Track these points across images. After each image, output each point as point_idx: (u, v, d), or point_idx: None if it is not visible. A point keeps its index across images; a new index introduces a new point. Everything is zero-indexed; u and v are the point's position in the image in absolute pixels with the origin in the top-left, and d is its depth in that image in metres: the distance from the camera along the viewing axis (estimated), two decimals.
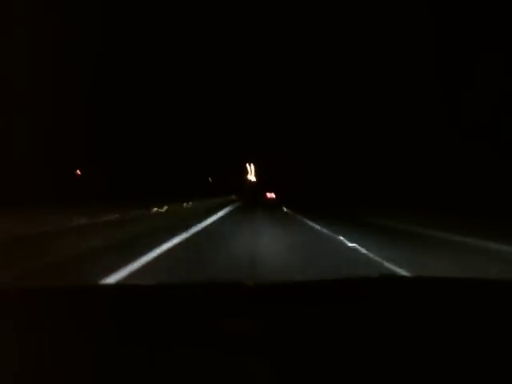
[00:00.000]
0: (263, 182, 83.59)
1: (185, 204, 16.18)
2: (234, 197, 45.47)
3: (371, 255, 6.63)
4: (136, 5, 26.77)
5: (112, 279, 4.20)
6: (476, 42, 20.17)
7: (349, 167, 36.96)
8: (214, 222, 12.72)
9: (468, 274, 5.50)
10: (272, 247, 7.39)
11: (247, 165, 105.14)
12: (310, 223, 13.13)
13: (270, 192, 53.27)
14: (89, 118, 20.84)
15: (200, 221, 11.87)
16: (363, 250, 7.12)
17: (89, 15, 20.44)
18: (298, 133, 64.69)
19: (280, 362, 0.75)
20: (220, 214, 16.89)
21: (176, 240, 7.49)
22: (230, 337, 0.89)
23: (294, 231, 11.08)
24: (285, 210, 23.36)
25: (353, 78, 34.23)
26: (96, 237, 6.43)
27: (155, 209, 11.38)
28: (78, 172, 22.98)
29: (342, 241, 8.44)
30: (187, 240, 7.80)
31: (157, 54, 30.92)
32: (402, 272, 5.39)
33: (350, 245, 7.85)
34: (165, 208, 12.10)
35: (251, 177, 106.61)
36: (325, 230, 10.56)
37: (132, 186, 23.07)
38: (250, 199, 46.23)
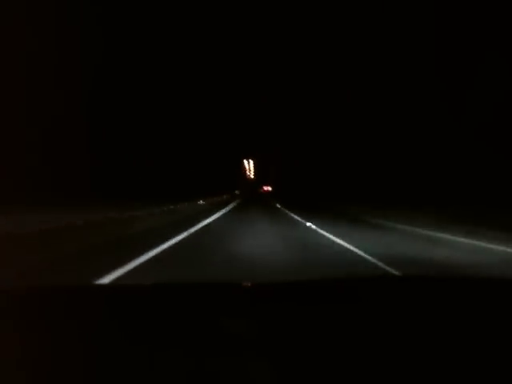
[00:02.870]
0: (261, 178, 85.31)
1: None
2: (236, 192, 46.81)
3: (297, 217, 14.37)
4: (136, 4, 26.74)
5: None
6: (478, 41, 20.14)
7: (348, 166, 37.07)
8: None
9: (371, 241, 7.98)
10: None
11: (245, 161, 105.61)
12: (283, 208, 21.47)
13: (267, 186, 61.20)
14: (89, 119, 20.82)
15: None
16: (296, 216, 14.76)
17: (90, 15, 20.43)
18: (298, 131, 64.77)
19: (279, 361, 0.75)
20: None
21: None
22: (228, 337, 0.89)
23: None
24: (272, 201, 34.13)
25: (355, 76, 34.20)
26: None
27: None
28: None
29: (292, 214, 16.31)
30: None
31: (160, 54, 30.84)
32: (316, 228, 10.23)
33: (292, 215, 15.78)
34: None
35: (250, 173, 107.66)
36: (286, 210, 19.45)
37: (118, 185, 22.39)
38: (249, 194, 48.86)
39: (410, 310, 1.16)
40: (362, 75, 32.52)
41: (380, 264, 5.35)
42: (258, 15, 63.85)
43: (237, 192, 44.96)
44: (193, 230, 9.17)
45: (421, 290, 1.44)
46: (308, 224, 11.33)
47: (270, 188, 63.00)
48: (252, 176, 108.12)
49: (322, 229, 9.80)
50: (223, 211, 17.24)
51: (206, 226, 10.54)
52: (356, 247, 6.77)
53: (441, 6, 21.77)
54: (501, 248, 7.40)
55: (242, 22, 62.45)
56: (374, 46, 29.97)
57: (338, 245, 7.33)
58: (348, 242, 7.37)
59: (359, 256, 6.07)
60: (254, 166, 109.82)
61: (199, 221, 11.29)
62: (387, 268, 5.07)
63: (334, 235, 8.45)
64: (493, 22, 19.07)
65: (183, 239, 7.53)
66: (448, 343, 0.88)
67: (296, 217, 14.59)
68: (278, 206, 24.35)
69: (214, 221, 12.30)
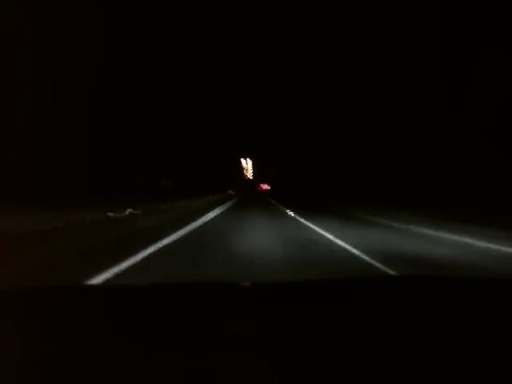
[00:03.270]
0: (260, 178, 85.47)
1: None
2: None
3: (289, 211, 16.80)
4: (137, 4, 26.73)
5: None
6: (478, 41, 20.14)
7: (350, 166, 37.15)
8: None
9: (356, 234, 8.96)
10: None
11: (243, 161, 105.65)
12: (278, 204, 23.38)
13: (264, 184, 61.15)
14: (89, 119, 20.82)
15: None
16: (286, 209, 17.82)
17: (90, 15, 20.43)
18: (301, 131, 64.73)
19: (279, 361, 0.76)
20: None
21: None
22: (228, 337, 0.89)
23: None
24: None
25: (357, 77, 34.21)
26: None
27: None
28: None
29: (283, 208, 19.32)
30: None
31: (161, 53, 30.80)
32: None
33: (286, 209, 17.88)
34: None
35: (248, 173, 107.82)
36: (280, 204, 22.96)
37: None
38: (246, 194, 48.83)
39: (408, 310, 1.16)
40: (363, 75, 32.55)
41: (373, 261, 5.46)
42: (261, 13, 63.97)
43: (231, 192, 43.14)
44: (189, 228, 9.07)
45: (419, 290, 1.45)
46: (306, 223, 11.49)
47: (268, 187, 62.66)
48: (250, 176, 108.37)
49: (323, 229, 9.84)
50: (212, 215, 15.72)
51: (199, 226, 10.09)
52: (354, 245, 6.94)
53: (441, 6, 21.78)
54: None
55: (245, 20, 62.56)
56: (375, 47, 30.00)
57: (337, 244, 7.46)
58: (349, 242, 7.46)
59: (354, 253, 6.25)
60: (253, 166, 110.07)
61: (195, 220, 11.16)
62: (380, 265, 5.18)
63: (335, 236, 8.51)
64: (493, 22, 19.07)
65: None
66: (445, 343, 0.88)
67: (296, 216, 14.71)
68: (276, 203, 24.78)
69: (210, 219, 12.25)
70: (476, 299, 1.30)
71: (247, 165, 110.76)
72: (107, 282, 3.67)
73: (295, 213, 15.66)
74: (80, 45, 19.91)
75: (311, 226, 10.52)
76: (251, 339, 0.89)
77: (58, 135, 18.73)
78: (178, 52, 35.83)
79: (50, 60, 18.14)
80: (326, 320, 1.04)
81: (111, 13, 22.89)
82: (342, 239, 7.62)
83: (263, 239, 7.61)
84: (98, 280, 3.69)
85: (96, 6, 21.22)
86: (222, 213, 15.19)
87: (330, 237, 8.12)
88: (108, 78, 22.93)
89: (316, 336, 0.92)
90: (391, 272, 4.76)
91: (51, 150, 18.41)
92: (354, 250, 6.38)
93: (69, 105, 19.42)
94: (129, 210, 10.43)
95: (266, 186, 62.91)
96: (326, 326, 0.99)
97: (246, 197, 40.82)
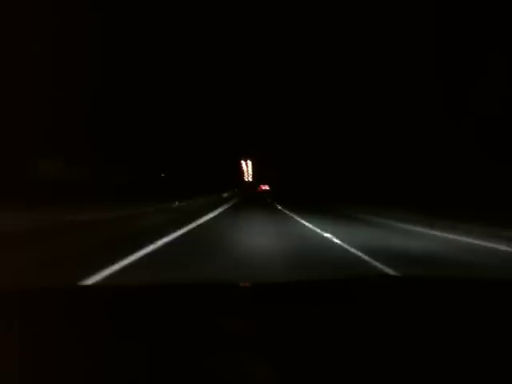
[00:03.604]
0: (260, 178, 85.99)
1: None
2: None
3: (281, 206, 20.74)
4: (137, 5, 26.75)
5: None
6: (478, 42, 20.20)
7: (350, 167, 37.27)
8: None
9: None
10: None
11: (243, 163, 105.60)
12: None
13: (265, 184, 63.01)
14: (88, 119, 20.83)
15: None
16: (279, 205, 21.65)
17: (91, 14, 20.44)
18: (296, 131, 64.91)
19: (279, 361, 0.76)
20: None
21: None
22: (228, 337, 0.89)
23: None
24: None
25: (354, 77, 34.29)
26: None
27: None
28: None
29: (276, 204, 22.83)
30: None
31: (161, 56, 30.85)
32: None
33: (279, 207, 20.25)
34: None
35: (248, 174, 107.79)
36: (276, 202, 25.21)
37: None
38: (247, 193, 49.23)
39: (408, 310, 1.16)
40: (363, 76, 32.62)
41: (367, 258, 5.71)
42: (260, 15, 64.20)
43: (225, 195, 40.01)
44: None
45: (420, 290, 1.45)
46: (307, 224, 11.52)
47: (267, 187, 64.44)
48: (250, 178, 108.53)
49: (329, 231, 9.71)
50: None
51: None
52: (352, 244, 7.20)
53: (443, 7, 21.83)
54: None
55: (245, 22, 63.06)
56: (376, 48, 30.09)
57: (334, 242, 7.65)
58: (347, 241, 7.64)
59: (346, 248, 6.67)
60: (253, 167, 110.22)
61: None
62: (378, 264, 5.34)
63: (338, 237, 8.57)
64: (494, 23, 19.12)
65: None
66: (445, 344, 0.88)
67: (293, 214, 14.87)
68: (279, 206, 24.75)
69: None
70: (477, 300, 1.30)
71: (247, 167, 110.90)
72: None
73: (294, 213, 15.66)
74: (80, 45, 19.93)
75: (310, 225, 10.60)
76: (251, 339, 0.89)
77: (58, 135, 18.74)
78: (178, 54, 35.89)
79: (51, 61, 18.15)
80: (326, 320, 1.04)
81: (112, 12, 22.91)
82: (337, 235, 8.02)
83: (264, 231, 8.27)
84: None
85: (97, 5, 21.24)
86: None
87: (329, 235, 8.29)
88: (107, 79, 22.95)
89: (316, 336, 0.92)
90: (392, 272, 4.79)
91: (51, 150, 18.43)
92: (352, 248, 6.61)
93: (68, 103, 19.43)
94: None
95: (266, 187, 64.61)
96: (325, 326, 0.99)
97: (245, 196, 40.75)
